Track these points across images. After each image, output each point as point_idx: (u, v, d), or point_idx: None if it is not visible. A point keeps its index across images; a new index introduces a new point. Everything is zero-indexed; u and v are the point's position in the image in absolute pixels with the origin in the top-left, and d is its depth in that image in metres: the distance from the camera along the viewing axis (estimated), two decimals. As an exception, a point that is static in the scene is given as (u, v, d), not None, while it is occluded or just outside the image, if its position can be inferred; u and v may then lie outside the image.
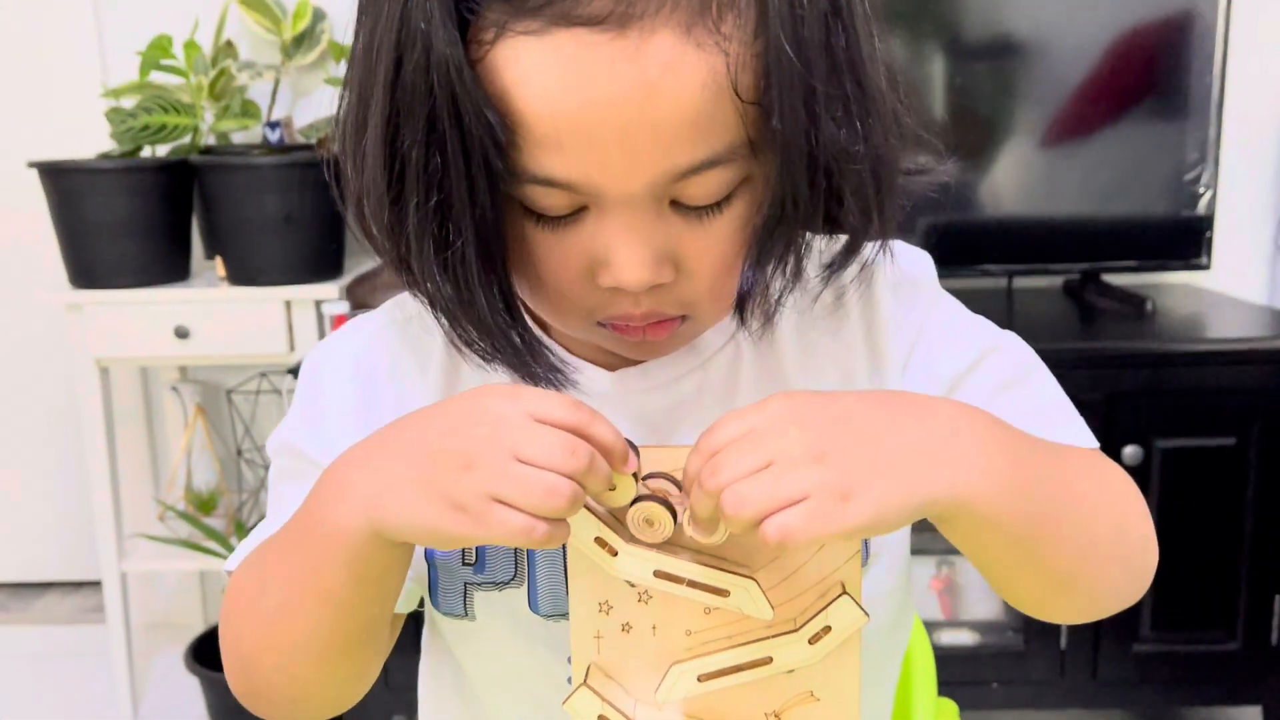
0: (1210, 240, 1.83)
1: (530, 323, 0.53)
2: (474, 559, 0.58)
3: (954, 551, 1.82)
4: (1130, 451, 1.62)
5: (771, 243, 0.48)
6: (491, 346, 0.50)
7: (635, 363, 0.57)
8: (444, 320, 0.51)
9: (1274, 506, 1.64)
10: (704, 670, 0.45)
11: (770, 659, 0.44)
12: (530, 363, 0.52)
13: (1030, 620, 1.71)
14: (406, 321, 0.60)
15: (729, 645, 0.44)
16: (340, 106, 0.50)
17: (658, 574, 0.43)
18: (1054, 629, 1.71)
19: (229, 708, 1.75)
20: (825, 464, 0.41)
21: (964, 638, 1.78)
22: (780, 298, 0.51)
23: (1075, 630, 1.70)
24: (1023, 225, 1.87)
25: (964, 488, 0.43)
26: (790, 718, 0.47)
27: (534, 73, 0.43)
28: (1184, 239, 1.83)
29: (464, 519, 0.44)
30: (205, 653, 1.83)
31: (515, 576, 0.58)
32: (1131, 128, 1.82)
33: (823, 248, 0.55)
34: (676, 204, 0.48)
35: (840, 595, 0.44)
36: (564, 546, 0.63)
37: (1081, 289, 1.93)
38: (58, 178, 1.73)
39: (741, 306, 0.51)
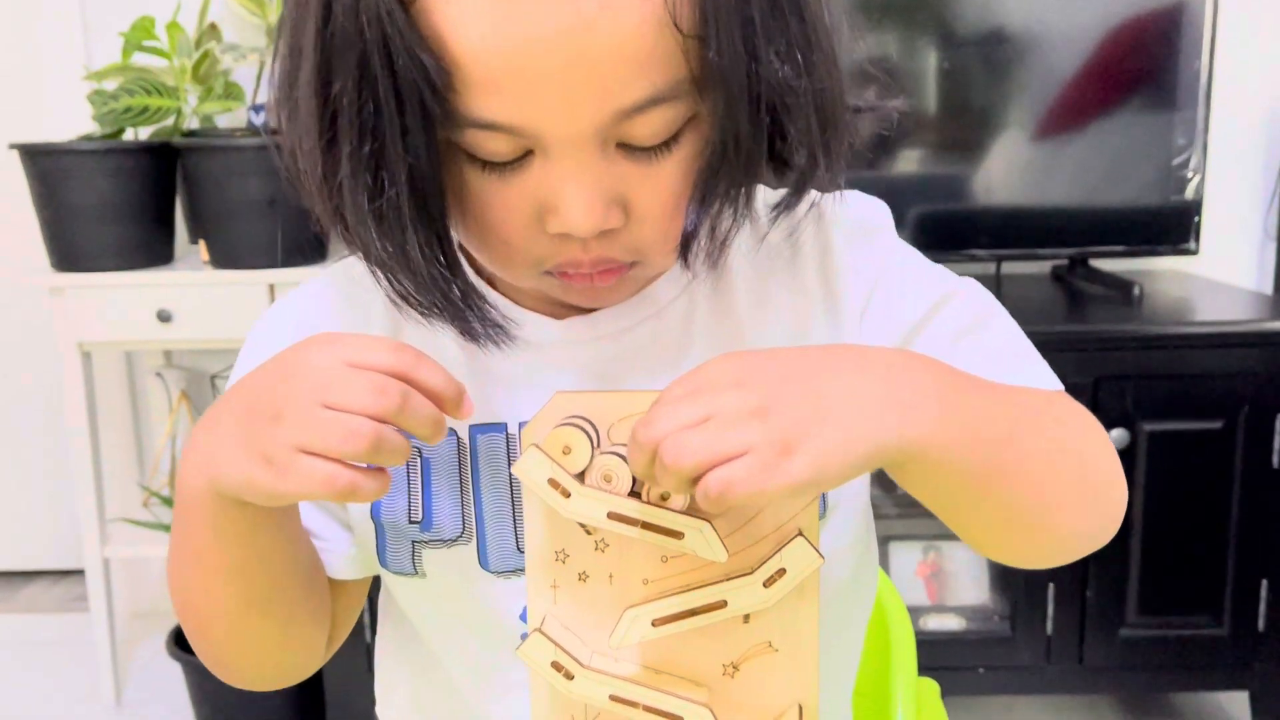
0: (1199, 225, 1.82)
1: (474, 277, 0.53)
2: (420, 516, 0.57)
3: (941, 536, 1.82)
4: (1117, 435, 1.61)
5: (716, 181, 0.47)
6: (429, 301, 0.49)
7: (585, 312, 0.56)
8: (380, 275, 0.50)
9: (1261, 491, 1.63)
10: (658, 614, 0.44)
11: (725, 603, 0.43)
12: (469, 317, 0.51)
13: (1017, 606, 1.70)
14: (351, 282, 0.59)
15: (685, 590, 0.44)
16: (273, 59, 0.49)
17: (611, 516, 0.42)
18: (1040, 615, 1.70)
19: (210, 692, 1.74)
20: (767, 419, 0.40)
21: (950, 623, 1.77)
22: (726, 239, 0.50)
23: (1062, 615, 1.70)
24: (1011, 211, 1.86)
25: (912, 434, 0.42)
26: (748, 669, 0.46)
27: (467, 13, 0.42)
28: (1173, 224, 1.83)
29: (272, 471, 0.43)
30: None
31: (463, 533, 0.57)
32: (1120, 114, 1.81)
33: (772, 195, 0.54)
34: (624, 146, 0.47)
35: (795, 537, 0.43)
36: (520, 497, 0.62)
37: (1070, 275, 1.93)
38: (40, 160, 1.72)
39: (686, 247, 0.50)
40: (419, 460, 0.57)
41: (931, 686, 1.20)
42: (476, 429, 0.57)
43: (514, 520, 0.57)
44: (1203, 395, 1.62)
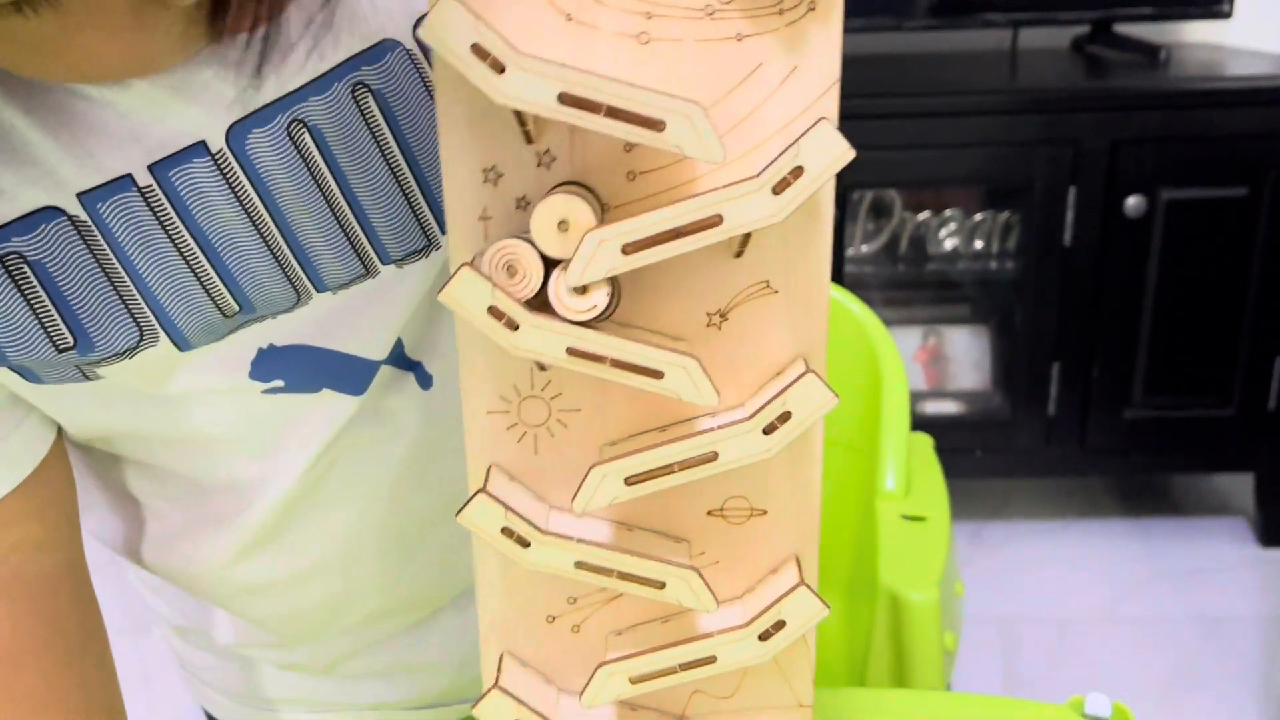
0: (1235, -18, 1.67)
1: None
2: (71, 341, 0.42)
3: (940, 321, 1.75)
4: (1133, 203, 1.52)
5: None
6: None
7: None
8: None
9: (1282, 263, 1.55)
10: (631, 471, 0.34)
11: (715, 454, 0.34)
12: None
13: (1019, 386, 1.65)
14: None
15: (663, 442, 0.34)
16: None
17: (572, 352, 0.32)
18: (1042, 396, 1.65)
19: None
20: None
21: (949, 407, 1.72)
22: None
23: (1064, 396, 1.64)
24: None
25: None
26: (735, 517, 0.37)
27: None
28: (1206, -18, 1.68)
29: None
30: None
31: (143, 338, 0.43)
32: None
33: None
34: None
35: (805, 374, 0.33)
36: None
37: (1092, 44, 1.79)
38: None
39: None
40: (25, 268, 0.40)
41: (924, 440, 1.15)
42: (92, 196, 0.40)
43: (196, 276, 0.42)
44: (1227, 159, 1.51)
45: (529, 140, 0.33)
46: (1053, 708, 0.58)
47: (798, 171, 0.31)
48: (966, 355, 1.74)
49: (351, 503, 0.51)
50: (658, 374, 0.33)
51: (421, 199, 0.45)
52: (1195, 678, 1.49)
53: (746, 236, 0.33)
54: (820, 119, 0.31)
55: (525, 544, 0.35)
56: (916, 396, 1.72)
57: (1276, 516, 1.71)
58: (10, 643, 0.46)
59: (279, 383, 0.46)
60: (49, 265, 0.40)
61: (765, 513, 0.38)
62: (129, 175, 0.40)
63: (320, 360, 0.46)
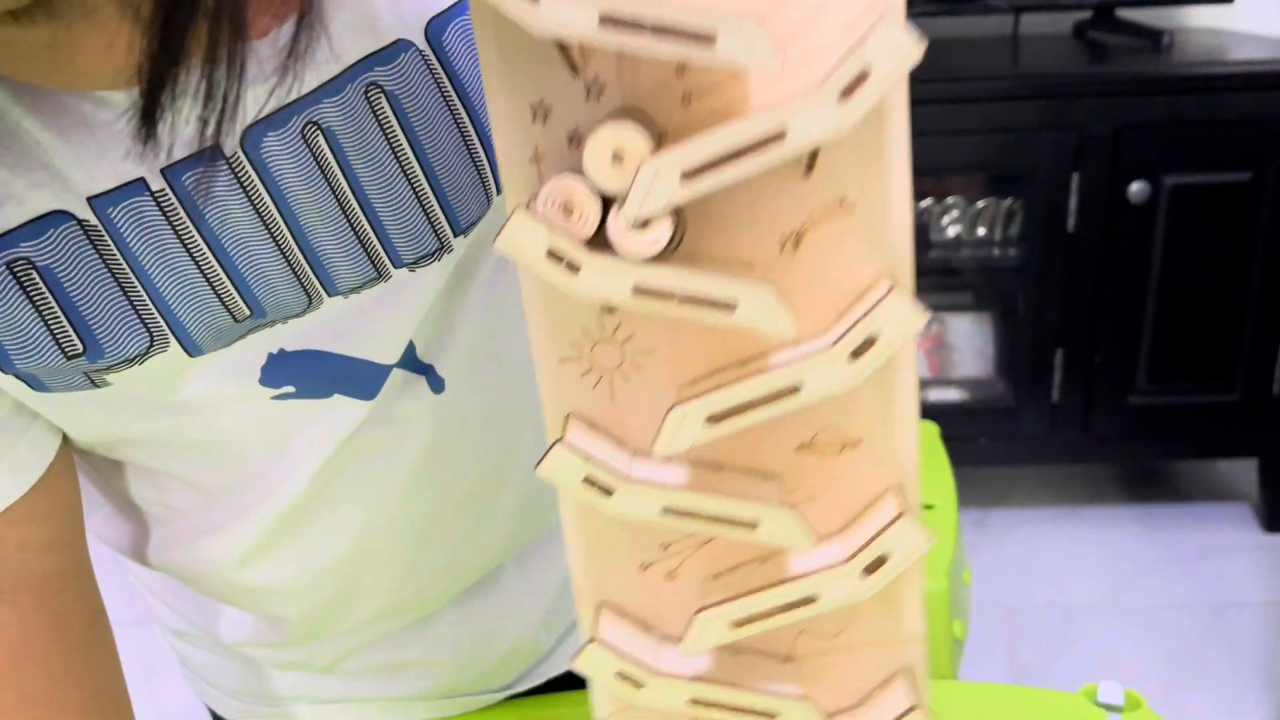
0: (1238, -34, 1.67)
1: None
2: (81, 348, 0.41)
3: (944, 309, 1.74)
4: (1137, 189, 1.51)
5: None
6: None
7: None
8: None
9: (1287, 248, 1.54)
10: (711, 410, 0.32)
11: (797, 387, 0.32)
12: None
13: (1023, 374, 1.64)
14: None
15: (743, 376, 0.32)
16: None
17: (638, 290, 0.30)
18: (1046, 383, 1.64)
19: None
20: None
21: (953, 394, 1.72)
22: None
23: (1069, 383, 1.64)
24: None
25: None
26: (827, 450, 0.36)
27: None
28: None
29: None
30: None
31: (152, 343, 0.42)
32: None
33: None
34: None
35: (889, 292, 0.31)
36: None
37: (1094, 29, 1.78)
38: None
39: None
40: (33, 274, 0.39)
41: (930, 428, 1.15)
42: (103, 200, 0.39)
43: (208, 280, 0.41)
44: (1231, 145, 1.50)
45: (574, 70, 0.31)
46: (1065, 696, 0.58)
47: (863, 76, 0.29)
48: (970, 343, 1.74)
49: (360, 506, 0.50)
50: (730, 306, 0.31)
51: (434, 201, 0.44)
52: (1200, 664, 1.49)
53: (815, 151, 0.31)
54: (882, 16, 0.29)
55: (609, 492, 0.34)
56: (921, 384, 1.71)
57: (1280, 502, 1.71)
58: (16, 642, 0.45)
59: (290, 388, 0.46)
60: (58, 271, 0.40)
61: (860, 443, 0.35)
62: (142, 179, 0.40)
63: (331, 365, 0.46)
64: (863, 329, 0.31)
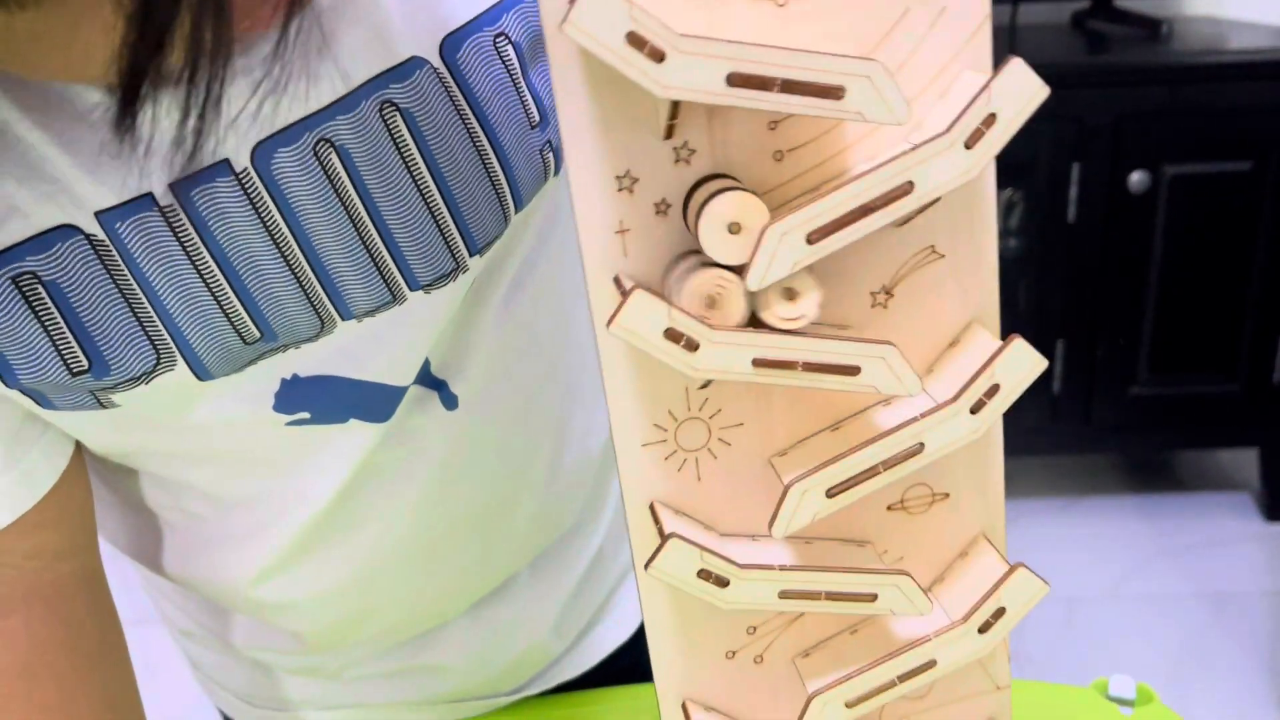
0: (1237, -46, 1.66)
1: None
2: (86, 364, 0.40)
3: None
4: (1137, 179, 1.51)
5: None
6: None
7: None
8: None
9: (1287, 237, 1.54)
10: (833, 481, 0.31)
11: (921, 446, 0.31)
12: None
13: (1023, 364, 1.64)
14: None
15: (856, 438, 0.31)
16: None
17: (759, 363, 0.29)
18: (1047, 373, 1.64)
19: None
20: None
21: (953, 386, 1.72)
22: None
23: (1069, 374, 1.63)
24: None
25: None
26: (916, 507, 0.34)
27: None
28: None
29: None
30: None
31: (159, 361, 0.41)
32: None
33: None
34: None
35: (1012, 339, 0.31)
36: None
37: (1092, 19, 1.78)
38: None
39: None
40: (39, 288, 0.39)
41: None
42: (111, 215, 0.38)
43: (216, 300, 0.41)
44: (1231, 134, 1.50)
45: (668, 135, 0.29)
46: (1076, 690, 0.58)
47: (990, 120, 0.28)
48: (970, 334, 1.74)
49: (375, 523, 0.50)
50: (854, 370, 0.30)
51: (450, 221, 0.43)
52: (1202, 653, 1.49)
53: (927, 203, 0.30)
54: (1010, 57, 0.28)
55: (724, 583, 0.32)
56: (920, 376, 1.71)
57: (1281, 491, 1.71)
58: (29, 649, 0.45)
59: (304, 414, 0.45)
60: (64, 286, 0.39)
61: (947, 496, 0.35)
62: (150, 194, 0.39)
63: (347, 390, 0.45)
64: (985, 380, 0.31)
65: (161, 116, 0.30)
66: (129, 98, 0.30)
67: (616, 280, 0.30)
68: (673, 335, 0.29)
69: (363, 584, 0.51)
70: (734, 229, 0.28)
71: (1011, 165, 1.61)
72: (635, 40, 0.26)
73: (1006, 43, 1.73)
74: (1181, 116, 1.50)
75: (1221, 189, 1.52)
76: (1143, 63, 1.51)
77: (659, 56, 0.26)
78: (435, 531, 0.51)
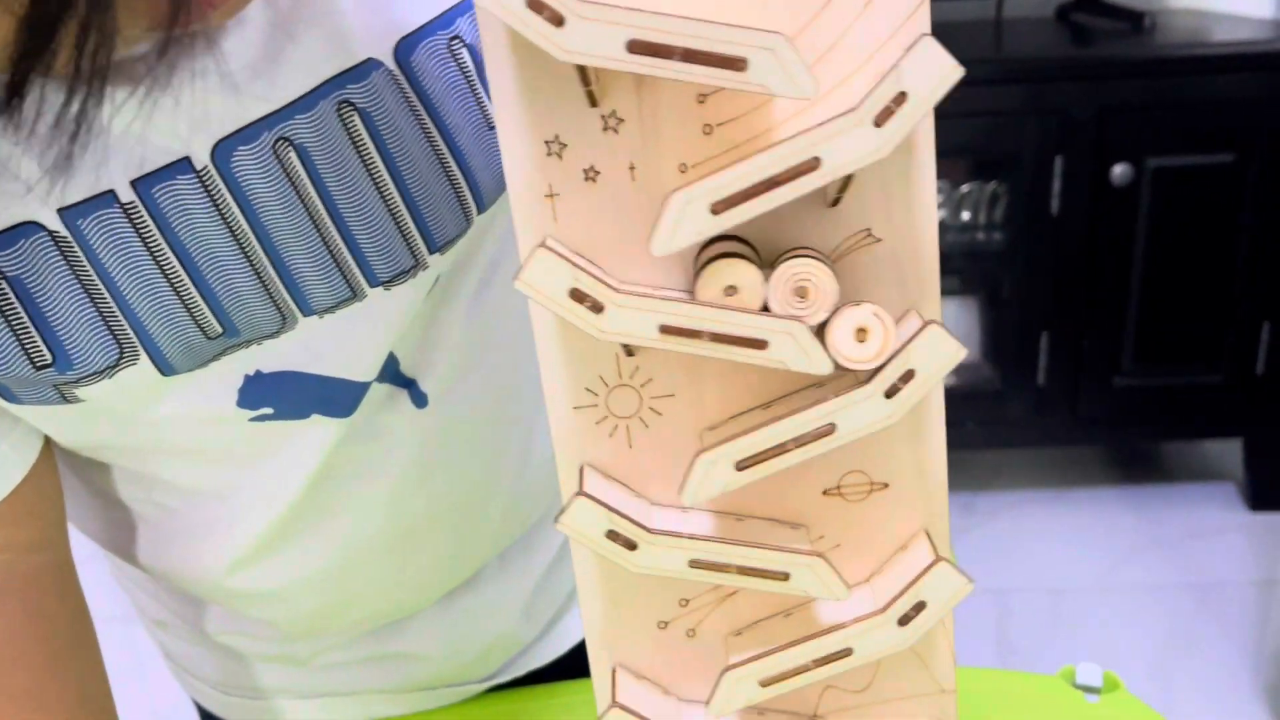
0: (1219, -54, 1.67)
1: None
2: (49, 359, 0.41)
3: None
4: (1120, 171, 1.51)
5: None
6: None
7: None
8: None
9: (1270, 229, 1.55)
10: (741, 454, 0.31)
11: (832, 427, 0.30)
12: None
13: (1007, 358, 1.65)
14: None
15: (774, 418, 0.31)
16: None
17: (665, 330, 0.29)
18: (1032, 366, 1.65)
19: None
20: None
21: (940, 379, 1.72)
22: None
23: (1054, 366, 1.64)
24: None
25: None
26: (854, 494, 0.34)
27: None
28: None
29: None
30: None
31: (122, 356, 0.42)
32: None
33: None
34: None
35: (926, 325, 0.30)
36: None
37: (1076, 12, 1.78)
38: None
39: None
40: (2, 283, 0.39)
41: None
42: (73, 212, 0.39)
43: (178, 295, 0.41)
44: (1213, 126, 1.51)
45: (593, 103, 0.30)
46: (1044, 679, 0.58)
47: (900, 98, 0.28)
48: (955, 327, 1.74)
49: (346, 517, 0.50)
50: (761, 344, 0.30)
51: (409, 219, 0.44)
52: (1188, 643, 1.50)
53: (846, 181, 0.30)
54: (920, 35, 0.28)
55: (632, 546, 0.32)
56: (907, 370, 1.72)
57: (1265, 481, 1.72)
58: (1, 644, 0.45)
59: (268, 410, 0.45)
60: (27, 281, 0.39)
61: (887, 486, 0.34)
62: (112, 191, 0.39)
63: (309, 386, 0.45)
64: (899, 363, 0.30)
65: (108, 109, 0.31)
66: (18, 79, 0.30)
67: (544, 244, 0.30)
68: (577, 295, 0.29)
69: (336, 576, 0.52)
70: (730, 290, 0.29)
71: (995, 158, 1.61)
72: (535, 4, 0.26)
73: (992, 36, 1.73)
74: (1164, 109, 1.50)
75: (1204, 181, 1.53)
76: (1126, 55, 1.51)
77: (558, 21, 0.26)
78: (408, 525, 0.52)
